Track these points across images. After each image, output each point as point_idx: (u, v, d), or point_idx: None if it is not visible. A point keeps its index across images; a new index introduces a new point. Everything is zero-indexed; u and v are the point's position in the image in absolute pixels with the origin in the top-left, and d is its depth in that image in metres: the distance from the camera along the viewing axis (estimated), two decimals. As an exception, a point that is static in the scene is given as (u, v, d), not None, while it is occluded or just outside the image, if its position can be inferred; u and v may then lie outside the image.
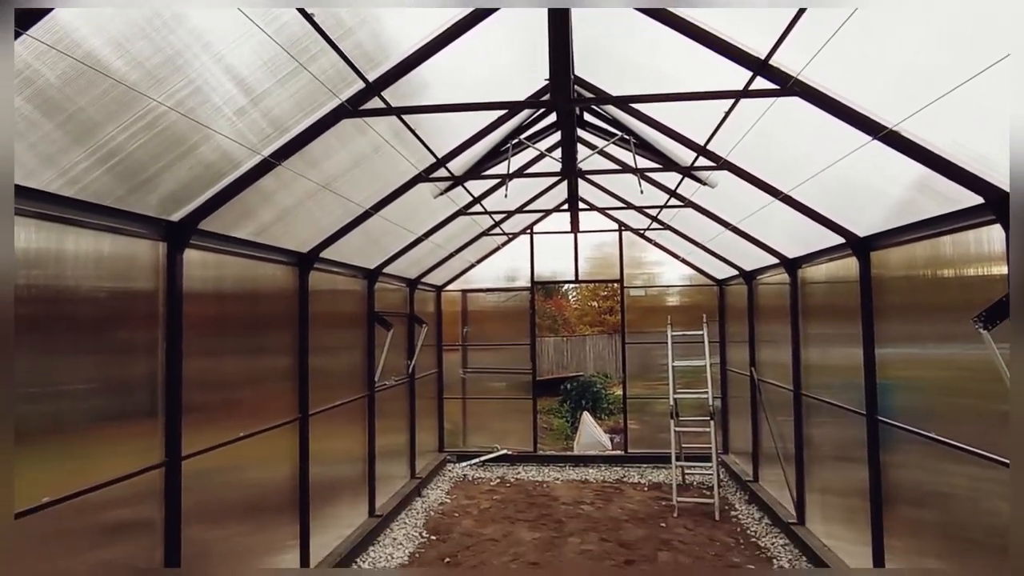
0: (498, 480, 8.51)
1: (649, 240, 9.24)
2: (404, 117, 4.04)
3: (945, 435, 3.68)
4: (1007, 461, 3.04)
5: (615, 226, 9.43)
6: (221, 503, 3.93)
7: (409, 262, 7.33)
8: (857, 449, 4.73)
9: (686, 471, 8.13)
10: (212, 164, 3.16)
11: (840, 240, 4.76)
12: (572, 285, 30.38)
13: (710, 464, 7.30)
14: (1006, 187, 2.97)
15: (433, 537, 6.34)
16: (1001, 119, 2.71)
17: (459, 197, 6.42)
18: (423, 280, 8.44)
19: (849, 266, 4.85)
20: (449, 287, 9.73)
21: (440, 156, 5.02)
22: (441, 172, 5.34)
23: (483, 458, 9.22)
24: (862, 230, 4.51)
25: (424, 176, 5.16)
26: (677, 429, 7.53)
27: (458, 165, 5.57)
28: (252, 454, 4.28)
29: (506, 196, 5.71)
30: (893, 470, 4.39)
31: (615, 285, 9.85)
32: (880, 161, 3.40)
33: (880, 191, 3.93)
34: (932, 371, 3.99)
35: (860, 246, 4.60)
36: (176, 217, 3.35)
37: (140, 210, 3.08)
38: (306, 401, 4.92)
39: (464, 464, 9.18)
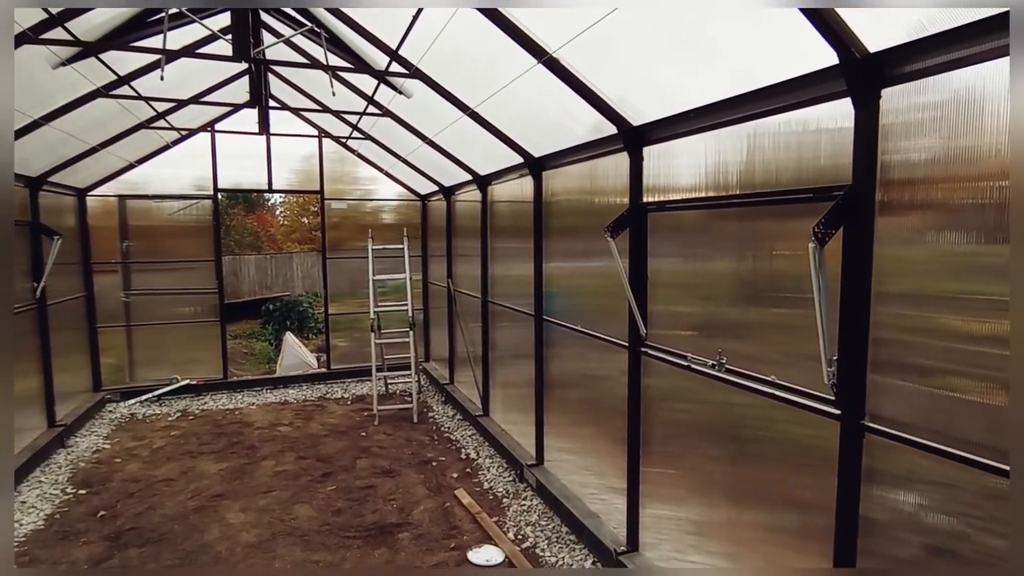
0: (178, 414, 7.50)
1: (351, 149, 8.78)
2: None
3: (587, 327, 4.46)
4: (624, 343, 3.83)
5: (314, 132, 8.68)
6: None
7: (27, 153, 5.53)
8: (529, 347, 5.45)
9: (389, 381, 8.42)
10: None
11: (520, 160, 5.17)
12: (280, 199, 27.85)
13: (410, 372, 7.66)
14: (632, 120, 3.53)
15: (83, 491, 5.28)
16: (625, 58, 3.14)
17: (97, 74, 4.97)
18: (53, 180, 6.51)
19: (527, 185, 5.35)
20: (98, 191, 7.75)
21: (55, 12, 3.73)
22: (59, 33, 3.99)
23: (157, 392, 7.99)
24: (538, 152, 4.95)
25: (30, 35, 3.78)
26: (378, 342, 7.66)
27: (86, 28, 4.24)
28: None
29: (162, 79, 4.59)
30: (552, 361, 5.20)
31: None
32: (556, 93, 3.66)
33: (552, 116, 4.31)
34: (581, 279, 4.74)
35: (535, 165, 5.07)
36: None
37: None
38: None
39: (132, 402, 7.82)
